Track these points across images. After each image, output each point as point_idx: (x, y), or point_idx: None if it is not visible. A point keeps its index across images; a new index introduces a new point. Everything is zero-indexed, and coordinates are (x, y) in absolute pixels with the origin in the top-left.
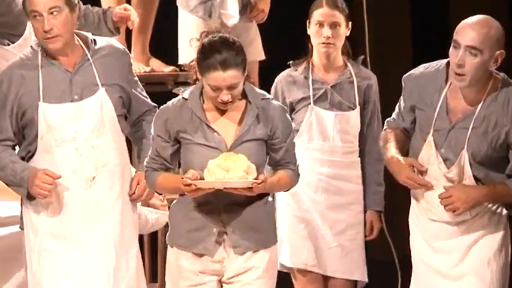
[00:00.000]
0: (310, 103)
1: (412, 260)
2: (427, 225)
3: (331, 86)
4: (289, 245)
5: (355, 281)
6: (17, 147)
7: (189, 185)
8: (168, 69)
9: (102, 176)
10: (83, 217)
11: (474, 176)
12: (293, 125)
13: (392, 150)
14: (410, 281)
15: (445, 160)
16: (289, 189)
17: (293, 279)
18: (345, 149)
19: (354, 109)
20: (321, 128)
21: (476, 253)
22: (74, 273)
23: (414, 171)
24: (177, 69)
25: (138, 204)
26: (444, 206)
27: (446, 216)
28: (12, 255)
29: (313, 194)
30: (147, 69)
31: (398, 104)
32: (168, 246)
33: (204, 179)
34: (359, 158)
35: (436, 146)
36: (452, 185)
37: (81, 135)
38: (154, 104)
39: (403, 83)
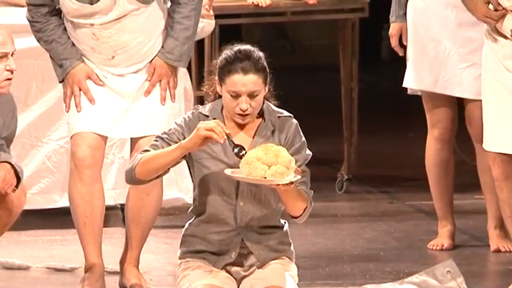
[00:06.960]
0: None
1: (482, 78)
2: (502, 44)
3: None
4: (414, 66)
5: None
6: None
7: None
8: None
9: (121, 56)
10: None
11: None
12: (308, 152)
13: None
14: None
15: None
16: (300, 217)
17: (424, 102)
18: None
19: None
20: None
21: None
22: (94, 109)
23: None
24: None
25: None
26: None
27: None
28: None
29: (443, 11)
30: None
31: None
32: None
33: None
34: None
35: None
36: None
37: (97, 21)
38: None
39: None
